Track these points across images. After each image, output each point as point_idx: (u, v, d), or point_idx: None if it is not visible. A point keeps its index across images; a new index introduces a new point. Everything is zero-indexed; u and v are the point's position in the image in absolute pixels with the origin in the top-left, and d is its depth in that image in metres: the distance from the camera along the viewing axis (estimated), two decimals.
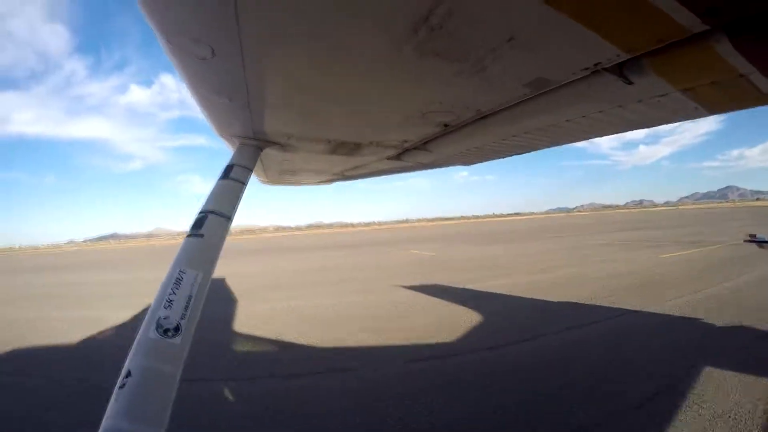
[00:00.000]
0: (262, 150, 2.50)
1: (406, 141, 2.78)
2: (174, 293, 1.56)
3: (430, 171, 4.18)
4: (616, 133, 2.55)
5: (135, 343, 1.46)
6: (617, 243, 25.47)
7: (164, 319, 1.49)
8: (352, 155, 3.02)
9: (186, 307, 1.55)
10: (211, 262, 1.79)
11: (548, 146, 2.96)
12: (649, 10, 1.12)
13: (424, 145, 2.86)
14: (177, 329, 1.49)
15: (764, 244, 9.18)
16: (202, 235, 1.82)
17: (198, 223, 1.86)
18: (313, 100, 1.92)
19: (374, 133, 2.62)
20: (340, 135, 2.60)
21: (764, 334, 6.88)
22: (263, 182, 4.41)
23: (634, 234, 32.32)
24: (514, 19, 1.20)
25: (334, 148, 2.80)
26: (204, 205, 1.95)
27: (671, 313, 8.55)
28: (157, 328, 1.47)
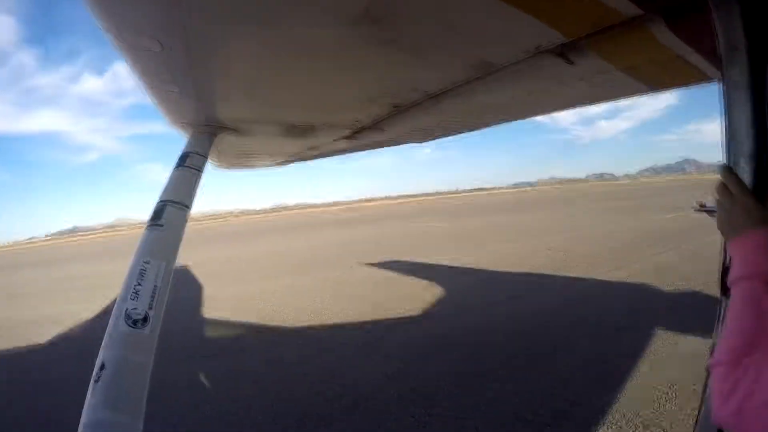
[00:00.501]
0: (215, 136, 2.48)
1: (357, 121, 2.81)
2: (140, 284, 1.57)
3: (391, 148, 4.24)
4: (564, 110, 2.67)
5: (105, 336, 1.47)
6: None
7: (132, 310, 1.51)
8: (306, 137, 3.03)
9: (152, 297, 1.57)
10: (173, 251, 1.80)
11: (499, 123, 3.06)
12: None
13: (376, 124, 2.89)
14: (145, 319, 1.51)
15: (714, 214, 9.67)
16: (162, 225, 1.82)
17: (157, 214, 1.85)
18: (262, 87, 1.94)
19: (325, 115, 2.65)
20: (291, 118, 2.61)
21: None
22: (219, 167, 4.35)
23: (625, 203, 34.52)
24: (454, 7, 1.25)
25: (287, 130, 2.80)
26: (161, 195, 1.94)
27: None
28: (126, 320, 1.48)
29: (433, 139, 3.78)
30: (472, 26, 1.36)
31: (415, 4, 1.21)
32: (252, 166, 4.75)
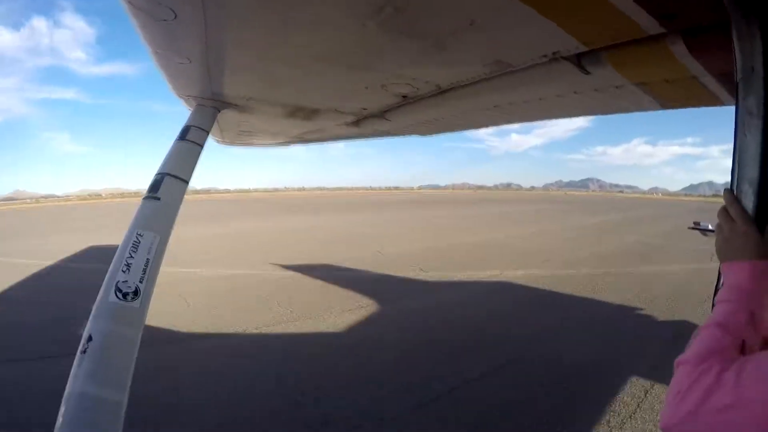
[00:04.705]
0: (219, 111, 2.46)
1: (364, 109, 2.79)
2: (132, 257, 1.56)
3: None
4: (572, 116, 2.67)
5: (94, 307, 1.46)
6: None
7: (123, 282, 1.49)
8: (310, 119, 3.01)
9: (144, 271, 1.55)
10: (169, 225, 1.78)
11: (505, 123, 3.05)
12: (610, 8, 1.18)
13: (382, 113, 2.88)
14: (136, 293, 1.50)
15: (707, 233, 9.68)
16: (158, 198, 1.80)
17: (154, 186, 1.84)
18: (274, 66, 1.91)
19: (333, 100, 2.63)
20: (299, 100, 2.58)
21: None
22: (219, 143, 4.33)
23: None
24: (477, 4, 1.23)
25: (292, 111, 2.78)
26: (160, 167, 1.92)
27: None
28: (116, 292, 1.47)
29: (436, 133, 3.77)
30: (491, 24, 1.34)
31: None
32: (251, 144, 4.72)
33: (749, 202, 1.07)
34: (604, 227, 22.05)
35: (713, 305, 1.03)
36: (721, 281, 1.04)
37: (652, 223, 25.20)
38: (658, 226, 22.45)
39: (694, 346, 0.89)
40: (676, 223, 22.32)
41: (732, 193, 1.09)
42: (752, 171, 1.08)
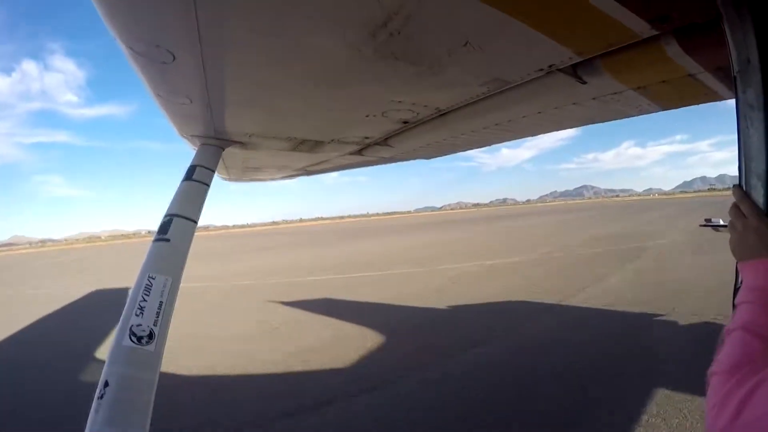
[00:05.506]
0: (224, 149, 2.48)
1: (367, 137, 2.81)
2: (145, 300, 1.56)
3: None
4: (572, 127, 2.66)
5: (109, 352, 1.45)
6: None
7: (137, 326, 1.49)
8: (314, 152, 3.03)
9: (158, 314, 1.55)
10: (180, 266, 1.78)
11: (507, 140, 3.06)
12: (600, 16, 1.18)
13: (385, 140, 2.89)
14: (150, 336, 1.49)
15: (719, 228, 9.58)
16: (168, 240, 1.81)
17: (163, 228, 1.85)
18: (274, 101, 1.93)
19: (335, 131, 2.64)
20: (301, 133, 2.60)
21: None
22: (225, 179, 4.37)
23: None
24: (470, 24, 1.24)
25: (295, 145, 2.80)
26: (168, 209, 1.93)
27: None
28: (130, 336, 1.46)
29: (441, 155, 3.78)
30: (484, 43, 1.35)
31: (431, 19, 1.21)
32: (258, 179, 4.76)
33: (759, 196, 1.05)
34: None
35: (733, 306, 1.01)
36: (740, 280, 1.02)
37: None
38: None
39: (725, 355, 0.87)
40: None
41: (741, 188, 1.08)
42: (760, 164, 1.06)
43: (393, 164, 4.08)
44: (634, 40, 1.36)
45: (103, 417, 1.32)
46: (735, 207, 1.05)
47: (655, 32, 1.31)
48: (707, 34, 1.29)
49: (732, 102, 1.15)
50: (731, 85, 1.16)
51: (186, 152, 2.56)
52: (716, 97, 1.93)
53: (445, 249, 23.20)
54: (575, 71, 1.61)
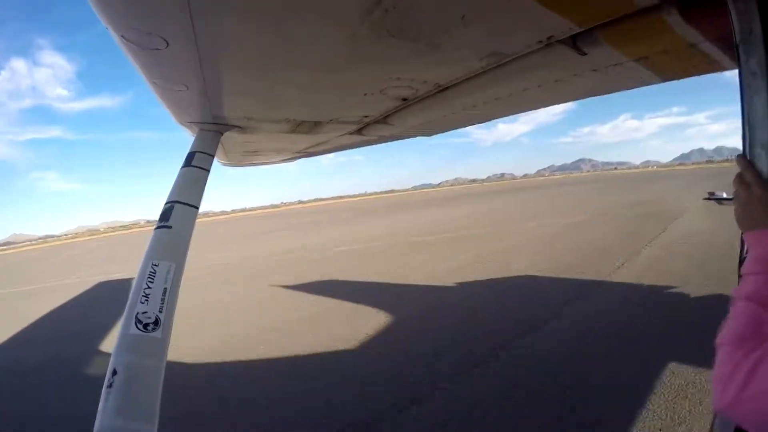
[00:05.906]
0: (222, 134, 2.47)
1: (366, 116, 2.79)
2: (149, 287, 1.56)
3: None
4: (573, 100, 2.64)
5: (116, 341, 1.46)
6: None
7: (142, 314, 1.49)
8: (313, 133, 3.01)
9: (162, 300, 1.56)
10: (183, 252, 1.79)
11: (508, 114, 3.04)
12: None
13: (384, 119, 2.87)
14: (156, 323, 1.50)
15: (723, 201, 9.66)
16: (170, 227, 1.81)
17: (165, 215, 1.85)
18: (271, 84, 1.92)
19: (334, 111, 2.62)
20: (299, 115, 2.58)
21: None
22: (224, 164, 4.36)
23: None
24: None
25: (294, 127, 2.78)
26: (169, 196, 1.93)
27: None
28: (136, 324, 1.47)
29: (441, 132, 3.75)
30: (481, 16, 1.32)
31: None
32: (257, 163, 4.75)
33: (764, 165, 1.04)
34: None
35: (739, 276, 1.01)
36: (746, 250, 1.02)
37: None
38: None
39: (732, 325, 0.88)
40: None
41: (745, 157, 1.07)
42: (764, 133, 1.05)
43: (387, 143, 4.07)
44: (635, 9, 1.33)
45: (112, 406, 1.34)
46: (739, 176, 1.04)
47: (655, 1, 1.28)
48: (708, 3, 1.27)
49: (731, 73, 1.14)
50: (733, 54, 1.14)
51: (183, 140, 2.55)
52: (718, 68, 1.91)
53: (505, 216, 25.59)
54: (575, 43, 1.58)
